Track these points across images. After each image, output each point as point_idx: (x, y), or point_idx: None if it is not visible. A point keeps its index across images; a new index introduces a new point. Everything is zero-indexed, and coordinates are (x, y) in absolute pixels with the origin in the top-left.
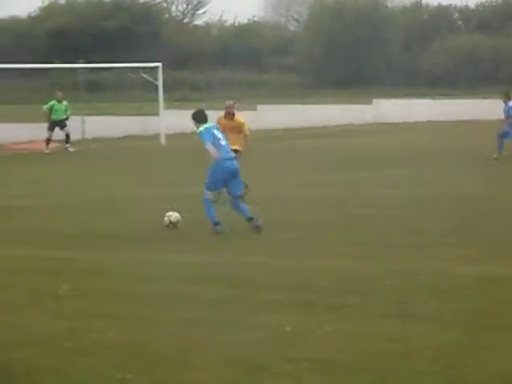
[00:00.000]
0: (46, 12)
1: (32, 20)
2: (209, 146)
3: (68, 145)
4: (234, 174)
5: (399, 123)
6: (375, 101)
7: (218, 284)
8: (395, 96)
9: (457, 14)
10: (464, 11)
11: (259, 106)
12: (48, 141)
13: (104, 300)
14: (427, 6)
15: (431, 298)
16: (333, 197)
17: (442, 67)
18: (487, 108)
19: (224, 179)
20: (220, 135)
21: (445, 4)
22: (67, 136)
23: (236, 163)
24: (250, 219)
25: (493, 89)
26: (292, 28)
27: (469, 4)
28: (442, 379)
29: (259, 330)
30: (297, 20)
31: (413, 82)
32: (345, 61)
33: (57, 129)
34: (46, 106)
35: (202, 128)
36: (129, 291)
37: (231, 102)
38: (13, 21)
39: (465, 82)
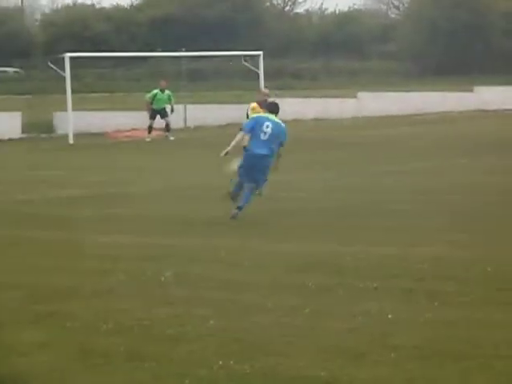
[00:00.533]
0: (148, 1)
1: (134, 9)
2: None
3: (168, 133)
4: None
5: (501, 110)
6: (476, 88)
7: (319, 272)
8: (496, 83)
9: None
10: None
11: (359, 94)
12: (150, 129)
13: (205, 287)
14: None
15: None
16: (429, 184)
17: None
18: None
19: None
20: (265, 129)
21: None
22: (167, 125)
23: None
24: (239, 208)
25: None
26: (393, 15)
27: None
28: None
29: (360, 318)
30: (397, 7)
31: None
32: (445, 48)
33: (158, 117)
34: (148, 95)
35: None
36: (230, 278)
37: (267, 90)
38: (115, 9)
39: None
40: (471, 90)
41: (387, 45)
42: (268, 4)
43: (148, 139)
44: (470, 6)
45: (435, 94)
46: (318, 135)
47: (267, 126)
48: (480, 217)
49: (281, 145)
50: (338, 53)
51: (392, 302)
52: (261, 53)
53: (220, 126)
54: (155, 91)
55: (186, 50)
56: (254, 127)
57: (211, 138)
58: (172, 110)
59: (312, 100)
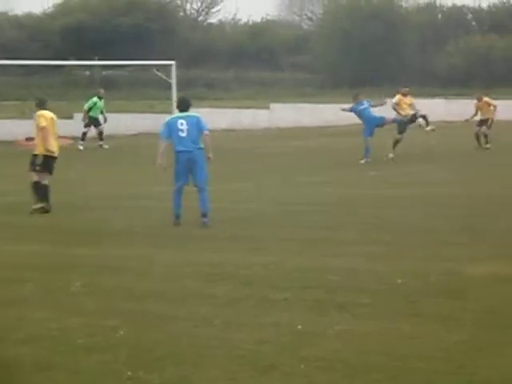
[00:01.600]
0: (61, 9)
1: (46, 17)
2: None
3: (102, 142)
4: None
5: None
6: (389, 101)
7: (230, 282)
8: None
9: (470, 15)
10: (477, 12)
11: (272, 105)
12: (84, 136)
13: (116, 297)
14: (441, 6)
15: (442, 298)
16: (338, 196)
17: (456, 68)
18: (500, 109)
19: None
20: (180, 126)
21: (459, 4)
22: (101, 133)
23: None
24: (204, 215)
25: (507, 90)
26: (306, 27)
27: (482, 5)
28: (454, 379)
29: (271, 329)
30: (310, 18)
31: (426, 82)
32: (359, 60)
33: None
34: (87, 103)
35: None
36: (141, 288)
37: None
38: (27, 17)
39: (479, 83)
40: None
41: (300, 56)
42: (181, 14)
43: (81, 147)
44: (384, 19)
45: (348, 105)
46: (230, 146)
47: (181, 124)
48: (393, 229)
49: (202, 133)
50: (251, 63)
51: (303, 313)
52: (173, 62)
53: (132, 135)
54: (95, 99)
55: (99, 59)
56: (170, 131)
57: (122, 147)
58: (105, 120)
59: (224, 110)
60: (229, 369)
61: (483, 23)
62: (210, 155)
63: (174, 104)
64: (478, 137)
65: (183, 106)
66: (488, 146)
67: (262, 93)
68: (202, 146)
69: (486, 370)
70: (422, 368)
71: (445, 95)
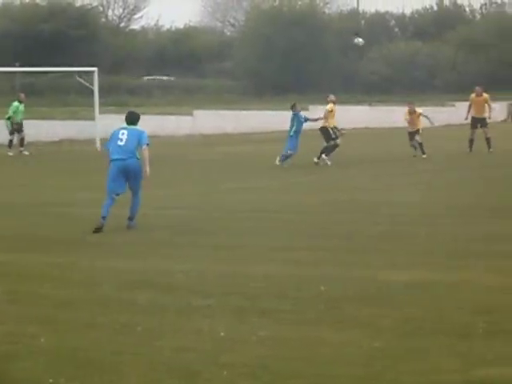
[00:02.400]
0: None
1: None
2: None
3: (23, 148)
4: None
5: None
6: (312, 107)
7: (152, 289)
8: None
9: (393, 21)
10: (400, 18)
11: (195, 111)
12: (10, 143)
13: (38, 304)
14: (364, 12)
15: (363, 304)
16: (262, 202)
17: (379, 74)
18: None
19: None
20: (121, 136)
21: (382, 11)
22: (22, 139)
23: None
24: (131, 218)
25: (429, 96)
26: (228, 33)
27: (405, 11)
28: None
29: (193, 336)
30: (233, 25)
31: (350, 88)
32: (282, 66)
33: None
34: (12, 110)
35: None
36: (63, 296)
37: None
38: None
39: (401, 89)
40: (307, 109)
41: (223, 63)
42: (103, 20)
43: (10, 153)
44: (307, 25)
45: (271, 112)
46: (154, 152)
47: (122, 134)
48: (316, 235)
49: (142, 144)
50: (174, 70)
51: (225, 319)
52: (95, 69)
53: (54, 142)
54: (16, 104)
55: (20, 65)
56: (112, 140)
57: (44, 154)
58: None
59: (147, 117)
60: (151, 376)
61: (406, 30)
62: (147, 169)
63: (97, 110)
64: (415, 147)
65: (130, 119)
66: (424, 155)
67: (186, 99)
68: (139, 157)
69: (406, 376)
70: (342, 374)
71: (368, 101)
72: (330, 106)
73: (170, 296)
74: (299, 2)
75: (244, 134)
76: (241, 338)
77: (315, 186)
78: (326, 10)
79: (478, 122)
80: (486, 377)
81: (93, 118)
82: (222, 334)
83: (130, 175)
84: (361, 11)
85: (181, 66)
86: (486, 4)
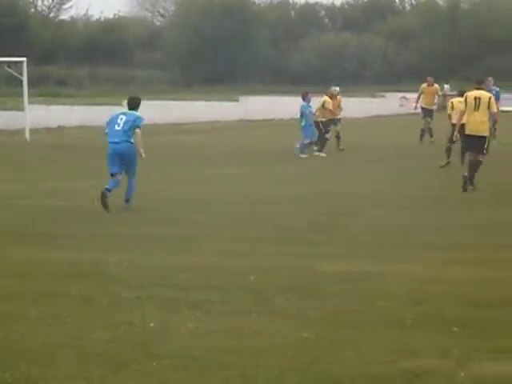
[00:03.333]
0: None
1: None
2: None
3: None
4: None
5: (265, 120)
6: (242, 98)
7: (83, 280)
8: (262, 93)
9: (323, 12)
10: (330, 9)
11: (125, 102)
12: None
13: None
14: (294, 3)
15: (294, 295)
16: (195, 193)
17: (309, 65)
18: (355, 106)
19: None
20: (119, 120)
21: (311, 2)
22: None
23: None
24: (127, 200)
25: (359, 87)
26: (158, 23)
27: (335, 2)
28: (303, 376)
29: (123, 327)
30: (163, 15)
31: (280, 79)
32: (212, 57)
33: None
34: None
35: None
36: None
37: None
38: None
39: (332, 80)
40: (237, 100)
41: (153, 53)
42: (33, 10)
43: None
44: (237, 15)
45: (201, 103)
46: (84, 143)
47: (121, 119)
48: (248, 226)
49: (135, 127)
50: (104, 60)
51: (155, 311)
52: (24, 59)
53: None
54: None
55: None
56: (110, 123)
57: None
58: None
59: (77, 107)
60: (81, 367)
61: (336, 21)
62: (141, 151)
63: (26, 100)
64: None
65: (131, 104)
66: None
67: (115, 89)
68: (133, 141)
69: (334, 366)
70: (271, 365)
71: (298, 92)
72: (324, 99)
73: (102, 287)
74: None
75: (173, 125)
76: (171, 330)
77: (248, 178)
78: (257, 1)
79: (427, 113)
80: (415, 367)
81: (22, 109)
82: (152, 325)
83: (123, 158)
84: (291, 2)
85: (111, 56)
86: None
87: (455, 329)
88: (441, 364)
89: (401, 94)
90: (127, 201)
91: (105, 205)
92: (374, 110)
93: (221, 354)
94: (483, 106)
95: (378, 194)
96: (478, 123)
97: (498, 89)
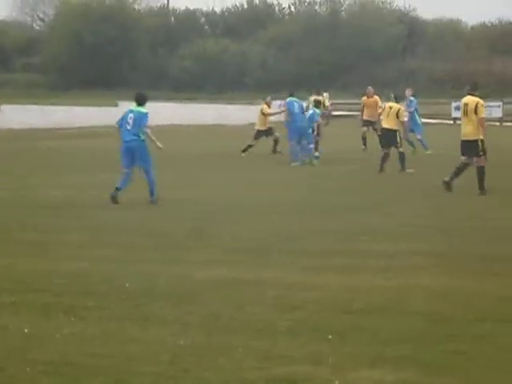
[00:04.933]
0: None
1: None
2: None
3: None
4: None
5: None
6: (121, 102)
7: None
8: None
9: (203, 19)
10: (211, 16)
11: (3, 106)
12: None
13: None
14: (174, 9)
15: (170, 301)
16: (71, 198)
17: (189, 71)
18: (232, 113)
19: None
20: (130, 120)
21: (192, 8)
22: None
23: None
24: (118, 188)
25: (239, 94)
26: (38, 28)
27: (215, 9)
28: (178, 382)
29: None
30: (42, 20)
31: (160, 85)
32: (91, 62)
33: None
34: None
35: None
36: None
37: None
38: None
39: (212, 87)
40: (116, 105)
41: (32, 57)
42: None
43: None
44: (117, 21)
45: (79, 108)
46: None
47: (130, 118)
48: (125, 232)
49: (142, 126)
50: None
51: (30, 316)
52: None
53: None
54: None
55: None
56: (123, 121)
57: None
58: None
59: None
60: None
61: (216, 27)
62: (159, 144)
63: None
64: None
65: (138, 100)
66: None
67: None
68: (143, 138)
69: (209, 373)
70: (146, 371)
71: (178, 99)
72: (262, 107)
73: None
74: None
75: (52, 130)
76: (45, 335)
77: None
78: (136, 6)
79: (370, 125)
80: (289, 374)
81: None
82: (27, 330)
83: (135, 155)
84: (171, 8)
85: None
86: (295, 3)
87: (330, 336)
88: (315, 371)
89: (279, 102)
90: (152, 194)
91: (115, 201)
92: (252, 117)
93: (95, 360)
94: (471, 112)
95: (252, 200)
96: (467, 128)
97: (412, 98)
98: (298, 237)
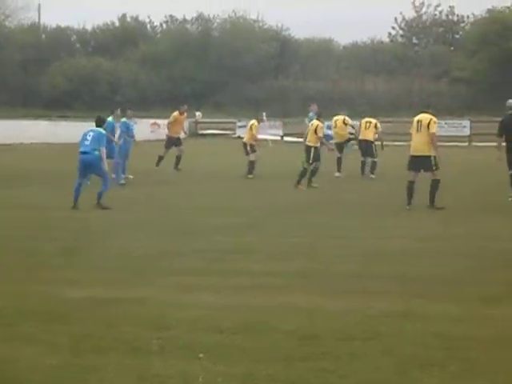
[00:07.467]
0: None
1: None
2: None
3: None
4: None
5: (12, 144)
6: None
7: None
8: (11, 117)
9: (75, 36)
10: (82, 33)
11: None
12: None
13: None
14: (45, 26)
15: (39, 321)
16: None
17: (61, 89)
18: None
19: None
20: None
21: (63, 26)
22: None
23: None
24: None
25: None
26: None
27: (86, 26)
28: None
29: None
30: None
31: (30, 102)
32: None
33: None
34: None
35: None
36: None
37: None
38: None
39: (83, 104)
40: None
41: None
42: None
43: None
44: None
45: None
46: None
47: (89, 136)
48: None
49: (102, 145)
50: None
51: None
52: None
53: None
54: None
55: None
56: (82, 138)
57: None
58: None
59: None
60: None
61: (88, 45)
62: (105, 163)
63: None
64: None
65: (98, 123)
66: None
67: None
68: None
69: None
70: None
71: (48, 116)
72: (252, 123)
73: None
74: None
75: None
76: None
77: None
78: (7, 23)
79: (175, 142)
80: None
81: None
82: None
83: (91, 167)
84: (42, 25)
85: None
86: (167, 21)
87: (201, 355)
88: None
89: (152, 120)
90: (99, 197)
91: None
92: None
93: None
94: (424, 128)
95: (125, 218)
96: (421, 144)
97: (311, 114)
98: (171, 255)
